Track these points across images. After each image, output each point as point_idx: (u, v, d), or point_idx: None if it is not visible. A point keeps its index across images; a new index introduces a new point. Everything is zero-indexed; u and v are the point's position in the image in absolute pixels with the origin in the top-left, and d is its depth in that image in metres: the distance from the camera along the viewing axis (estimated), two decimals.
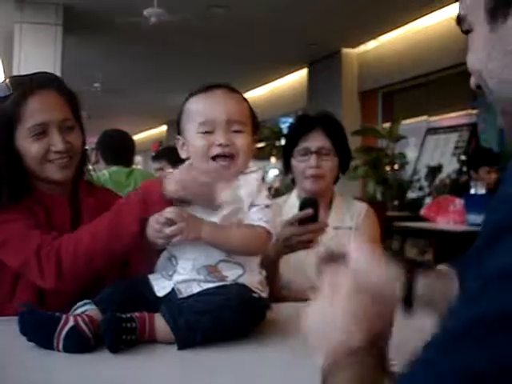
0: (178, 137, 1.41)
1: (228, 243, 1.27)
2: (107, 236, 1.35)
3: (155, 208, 1.30)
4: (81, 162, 1.63)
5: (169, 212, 1.24)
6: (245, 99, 1.42)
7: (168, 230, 1.23)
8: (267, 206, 1.33)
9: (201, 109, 1.36)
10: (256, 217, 1.31)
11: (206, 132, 1.34)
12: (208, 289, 1.25)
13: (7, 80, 1.56)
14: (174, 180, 1.34)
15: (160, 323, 1.16)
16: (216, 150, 1.33)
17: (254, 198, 1.33)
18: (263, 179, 1.38)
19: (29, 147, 1.50)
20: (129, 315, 1.12)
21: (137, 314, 1.14)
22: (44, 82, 1.54)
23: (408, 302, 0.90)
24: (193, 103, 1.38)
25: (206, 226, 1.26)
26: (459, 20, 0.83)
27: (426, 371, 0.55)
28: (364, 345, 0.74)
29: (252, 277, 1.31)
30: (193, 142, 1.36)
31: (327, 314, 0.81)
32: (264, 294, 1.32)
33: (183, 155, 1.41)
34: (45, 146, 1.50)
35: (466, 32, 0.84)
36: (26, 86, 1.51)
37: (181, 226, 1.23)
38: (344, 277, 0.83)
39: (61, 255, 1.35)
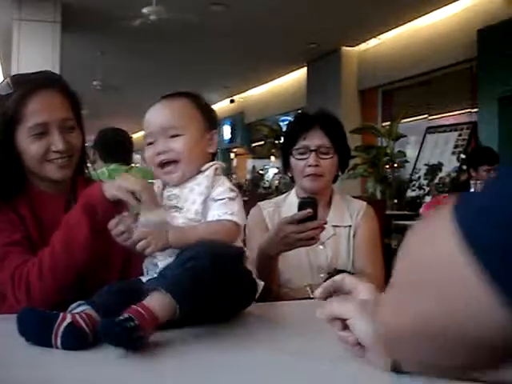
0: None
1: (194, 239, 1.27)
2: (64, 252, 1.37)
3: (100, 208, 1.35)
4: (80, 160, 1.63)
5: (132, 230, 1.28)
6: (193, 99, 1.46)
7: (138, 247, 1.26)
8: (230, 199, 1.34)
9: (145, 123, 1.44)
10: (220, 212, 1.32)
11: (151, 143, 1.42)
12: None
13: (9, 78, 1.55)
14: (112, 184, 1.37)
15: (151, 300, 1.11)
16: (158, 159, 1.39)
17: (211, 194, 1.35)
18: (218, 173, 1.40)
19: (29, 146, 1.50)
20: (124, 316, 1.09)
21: (126, 312, 1.10)
22: (46, 82, 1.54)
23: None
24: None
25: (172, 232, 1.28)
26: None
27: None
28: None
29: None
30: (146, 152, 1.44)
31: None
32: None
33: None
34: (45, 146, 1.50)
35: None
36: (28, 85, 1.50)
37: (147, 240, 1.25)
38: None
39: (29, 281, 1.36)
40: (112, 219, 1.32)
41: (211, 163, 1.42)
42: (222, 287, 1.21)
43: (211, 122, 1.48)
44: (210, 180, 1.37)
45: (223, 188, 1.36)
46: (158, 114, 1.43)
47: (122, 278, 1.55)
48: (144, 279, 1.33)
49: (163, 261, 1.31)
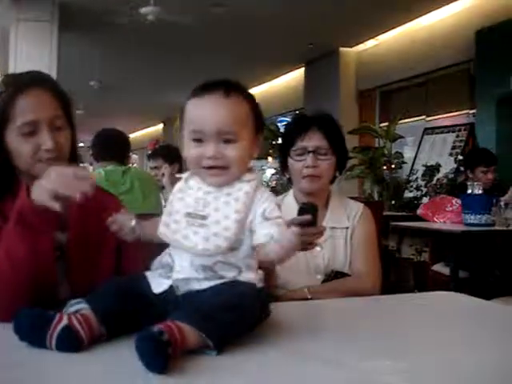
0: (183, 133, 1.40)
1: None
2: (7, 264, 1.34)
3: (35, 218, 1.32)
4: (71, 160, 1.60)
5: None
6: (246, 97, 1.37)
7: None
8: (280, 218, 1.28)
9: (193, 117, 1.33)
10: (274, 232, 1.25)
11: (198, 140, 1.31)
12: (214, 287, 1.23)
13: None
14: (36, 187, 1.33)
15: (187, 330, 1.08)
16: (207, 163, 1.30)
17: (258, 210, 1.28)
18: (259, 186, 1.33)
19: (19, 146, 1.48)
20: (158, 328, 1.07)
21: (160, 325, 1.09)
22: (35, 81, 1.53)
23: None
24: (188, 107, 1.35)
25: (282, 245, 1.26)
26: None
27: None
28: None
29: (249, 275, 1.29)
30: (187, 148, 1.34)
31: None
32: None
33: (183, 155, 1.39)
34: (34, 145, 1.48)
35: None
36: (17, 84, 1.49)
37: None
38: None
39: None
40: (54, 215, 1.31)
41: (253, 176, 1.34)
42: (254, 324, 1.24)
43: (260, 123, 1.40)
44: (250, 196, 1.29)
45: (273, 205, 1.30)
46: (215, 114, 1.31)
47: (115, 274, 1.55)
48: (150, 277, 1.30)
49: (177, 261, 1.28)
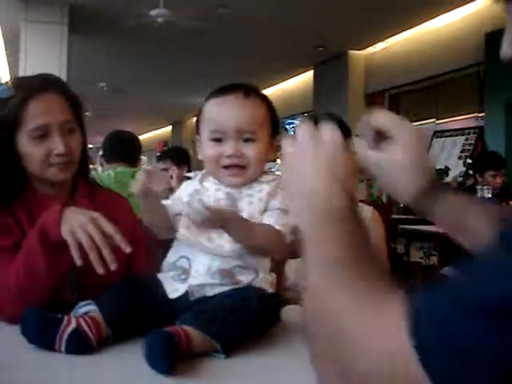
0: (197, 136, 1.41)
1: (252, 238, 1.25)
2: (27, 277, 1.33)
3: (54, 238, 1.29)
4: (81, 163, 1.61)
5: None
6: (264, 100, 1.40)
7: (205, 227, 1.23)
8: (284, 211, 1.28)
9: (213, 116, 1.35)
10: (270, 221, 1.28)
11: (217, 139, 1.33)
12: (224, 292, 1.23)
13: (9, 81, 1.54)
14: (70, 221, 1.29)
15: (194, 334, 1.10)
16: (226, 161, 1.32)
17: (266, 205, 1.30)
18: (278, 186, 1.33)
19: (30, 150, 1.49)
20: (167, 330, 1.08)
21: (168, 328, 1.09)
22: (45, 84, 1.53)
23: None
24: (207, 107, 1.37)
25: (235, 216, 1.25)
26: None
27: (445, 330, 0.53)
28: (346, 204, 0.75)
29: (264, 279, 1.30)
30: (205, 148, 1.35)
31: (310, 161, 0.80)
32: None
33: (199, 156, 1.41)
34: (46, 149, 1.48)
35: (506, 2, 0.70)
36: (28, 88, 1.49)
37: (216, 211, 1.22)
38: (329, 135, 0.82)
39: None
40: None
41: (273, 176, 1.36)
42: (263, 328, 1.25)
43: (277, 126, 1.43)
44: (273, 196, 1.31)
45: (278, 200, 1.31)
46: (236, 114, 1.33)
47: (124, 275, 1.54)
48: (164, 280, 1.30)
49: (194, 265, 1.27)
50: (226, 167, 1.32)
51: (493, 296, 0.51)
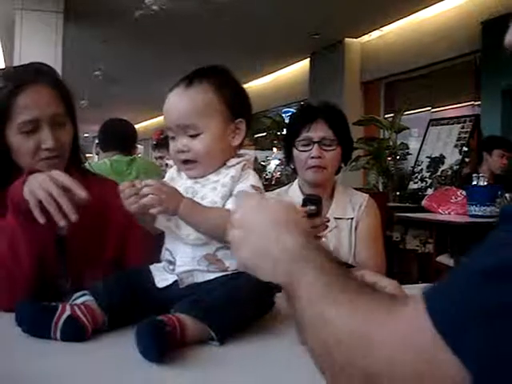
0: None
1: (205, 222, 1.22)
2: (10, 256, 1.33)
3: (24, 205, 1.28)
4: (73, 154, 1.58)
5: (148, 184, 1.20)
6: (212, 84, 1.32)
7: (145, 200, 1.18)
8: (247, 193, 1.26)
9: (164, 113, 1.34)
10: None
11: (172, 137, 1.33)
12: (214, 278, 1.24)
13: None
14: (29, 184, 1.29)
15: (188, 322, 1.10)
16: (179, 157, 1.32)
17: (231, 189, 1.28)
18: (245, 168, 1.31)
19: (19, 144, 1.46)
20: (159, 318, 1.07)
21: (162, 317, 1.09)
22: (35, 76, 1.49)
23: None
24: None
25: (186, 201, 1.22)
26: None
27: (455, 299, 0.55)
28: (302, 242, 0.76)
29: None
30: (170, 144, 1.36)
31: (258, 232, 0.83)
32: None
33: None
34: (35, 143, 1.46)
35: None
36: (17, 80, 1.46)
37: (159, 196, 1.19)
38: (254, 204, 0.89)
39: None
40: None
41: (239, 159, 1.32)
42: (257, 316, 1.25)
43: (237, 109, 1.34)
44: (236, 179, 1.29)
45: (245, 185, 1.28)
46: (175, 109, 1.32)
47: (117, 267, 1.53)
48: (154, 270, 1.30)
49: (178, 257, 1.28)
50: (181, 162, 1.32)
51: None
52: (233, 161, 1.32)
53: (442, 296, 0.56)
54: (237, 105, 1.35)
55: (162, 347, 1.01)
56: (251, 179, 1.30)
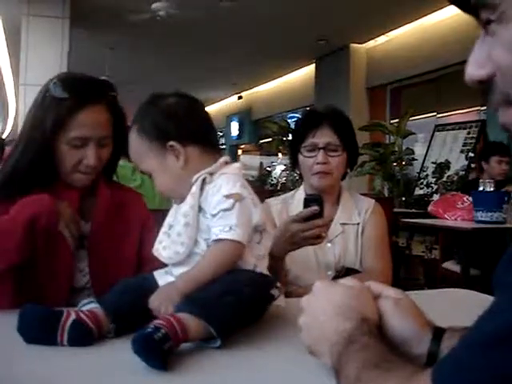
0: None
1: (206, 276, 1.20)
2: None
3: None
4: (109, 166, 1.70)
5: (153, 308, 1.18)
6: (142, 124, 1.34)
7: (154, 313, 1.17)
8: (225, 210, 1.22)
9: None
10: (217, 229, 1.22)
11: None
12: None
13: (60, 79, 1.55)
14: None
15: (187, 319, 1.08)
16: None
17: (207, 208, 1.26)
18: (207, 181, 1.27)
19: (65, 154, 1.54)
20: (152, 325, 1.06)
21: (158, 320, 1.08)
22: (97, 95, 1.56)
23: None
24: None
25: (181, 283, 1.20)
26: (480, 5, 0.67)
27: (458, 370, 0.59)
28: (355, 326, 0.85)
29: (245, 264, 1.28)
30: None
31: (317, 315, 0.94)
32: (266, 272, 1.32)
33: None
34: (78, 157, 1.55)
35: (486, 22, 0.67)
36: (81, 95, 1.53)
37: (159, 304, 1.17)
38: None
39: None
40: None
41: (197, 175, 1.28)
42: (257, 315, 1.25)
43: (165, 134, 1.31)
44: (196, 197, 1.26)
45: (217, 198, 1.24)
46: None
47: (134, 274, 1.58)
48: (157, 275, 1.30)
49: (177, 269, 1.28)
50: None
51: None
52: (194, 177, 1.29)
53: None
54: (162, 131, 1.32)
55: (161, 355, 1.00)
56: (223, 187, 1.25)
